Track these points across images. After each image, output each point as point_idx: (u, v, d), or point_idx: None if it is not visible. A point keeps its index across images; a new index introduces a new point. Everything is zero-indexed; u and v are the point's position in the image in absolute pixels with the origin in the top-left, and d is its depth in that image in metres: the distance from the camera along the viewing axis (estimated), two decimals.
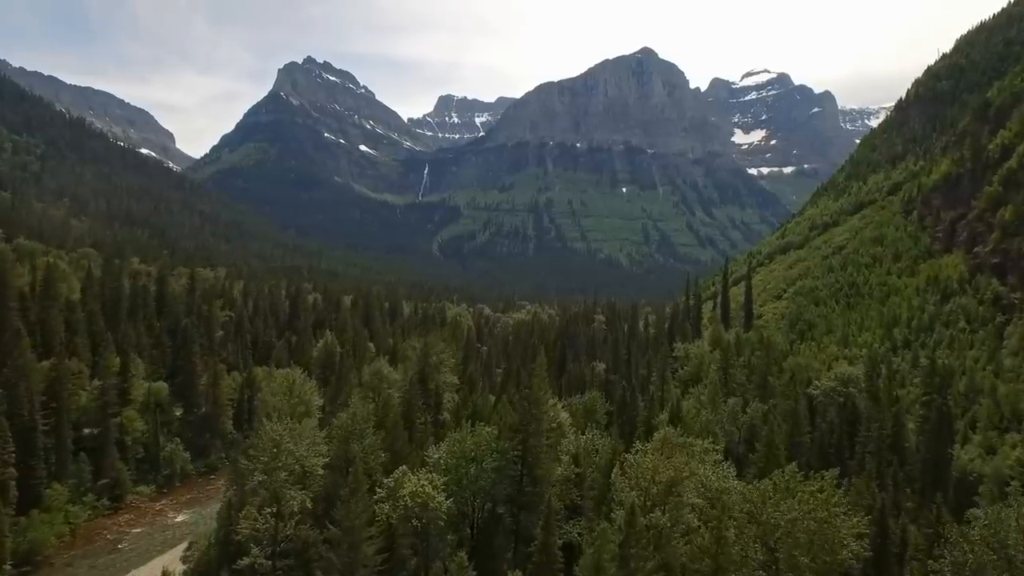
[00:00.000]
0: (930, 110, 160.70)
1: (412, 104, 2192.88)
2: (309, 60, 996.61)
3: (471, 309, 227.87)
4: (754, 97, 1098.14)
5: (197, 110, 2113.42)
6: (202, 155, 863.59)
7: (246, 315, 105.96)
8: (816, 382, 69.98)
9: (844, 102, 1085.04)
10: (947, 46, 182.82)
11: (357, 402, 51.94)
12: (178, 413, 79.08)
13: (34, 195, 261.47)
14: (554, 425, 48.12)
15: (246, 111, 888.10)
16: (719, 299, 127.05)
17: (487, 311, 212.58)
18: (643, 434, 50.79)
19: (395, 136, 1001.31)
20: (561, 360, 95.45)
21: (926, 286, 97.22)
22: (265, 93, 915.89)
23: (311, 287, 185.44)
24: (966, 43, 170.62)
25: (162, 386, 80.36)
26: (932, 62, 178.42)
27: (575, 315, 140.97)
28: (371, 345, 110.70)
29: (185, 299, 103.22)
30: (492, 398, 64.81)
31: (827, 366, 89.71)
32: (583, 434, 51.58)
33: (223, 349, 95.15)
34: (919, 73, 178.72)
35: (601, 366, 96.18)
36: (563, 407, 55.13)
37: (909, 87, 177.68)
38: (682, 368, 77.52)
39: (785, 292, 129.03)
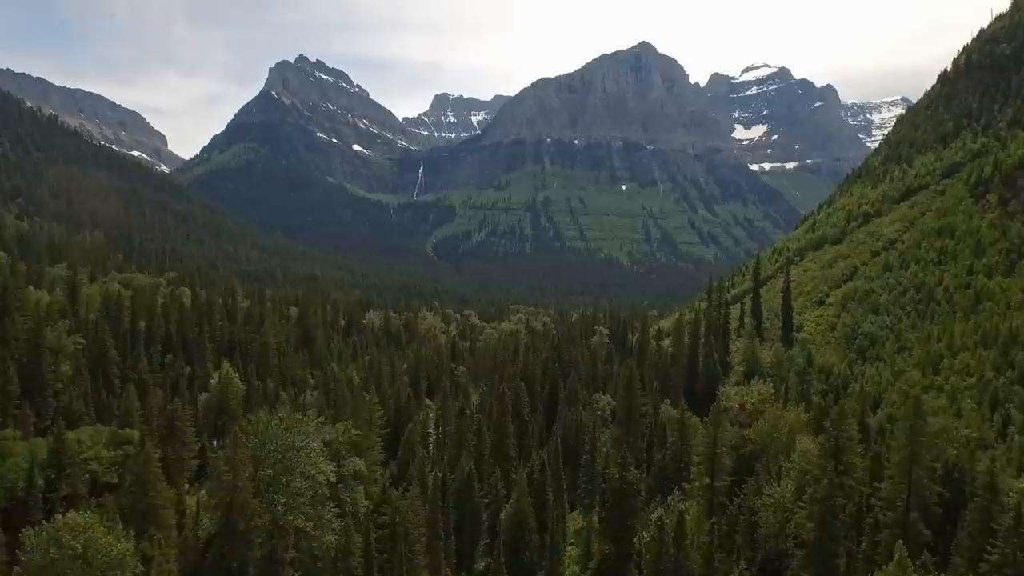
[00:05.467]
0: (987, 79, 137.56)
1: (407, 104, 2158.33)
2: (301, 59, 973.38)
3: (458, 315, 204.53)
4: (755, 92, 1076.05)
5: (184, 113, 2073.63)
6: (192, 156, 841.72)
7: (110, 340, 76.27)
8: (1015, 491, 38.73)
9: (843, 97, 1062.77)
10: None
11: None
12: None
13: None
14: None
15: (236, 111, 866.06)
16: (750, 306, 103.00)
17: (473, 319, 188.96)
18: None
19: (389, 135, 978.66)
20: (551, 398, 71.58)
21: None
22: (252, 94, 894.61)
23: (271, 293, 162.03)
24: None
25: None
26: (985, 25, 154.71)
27: (572, 326, 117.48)
28: (305, 375, 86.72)
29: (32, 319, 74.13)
30: (437, 476, 41.15)
31: (911, 399, 66.16)
32: None
33: (70, 390, 67.92)
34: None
35: (606, 399, 72.75)
36: None
37: (956, 55, 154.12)
38: (733, 425, 51.31)
39: (828, 296, 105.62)
